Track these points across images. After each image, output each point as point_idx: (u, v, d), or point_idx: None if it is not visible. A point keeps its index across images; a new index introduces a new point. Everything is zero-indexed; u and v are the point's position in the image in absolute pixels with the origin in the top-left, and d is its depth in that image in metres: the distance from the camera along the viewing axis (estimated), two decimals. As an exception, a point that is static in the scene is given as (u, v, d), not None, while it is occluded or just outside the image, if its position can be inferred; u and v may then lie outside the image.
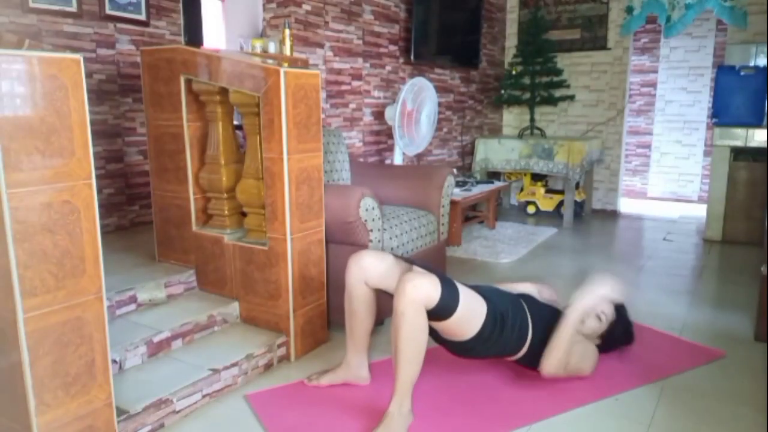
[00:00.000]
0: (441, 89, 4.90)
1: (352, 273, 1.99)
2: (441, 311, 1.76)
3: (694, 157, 6.51)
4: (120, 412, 1.64)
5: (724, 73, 4.32)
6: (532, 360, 2.07)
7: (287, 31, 3.12)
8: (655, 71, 6.51)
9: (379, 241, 2.47)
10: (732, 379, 2.13)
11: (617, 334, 2.19)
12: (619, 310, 2.20)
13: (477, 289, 1.98)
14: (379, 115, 4.23)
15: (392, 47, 4.31)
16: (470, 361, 2.16)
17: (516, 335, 1.99)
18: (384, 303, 2.10)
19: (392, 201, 3.06)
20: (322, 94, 3.68)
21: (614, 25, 5.34)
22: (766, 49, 4.43)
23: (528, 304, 2.12)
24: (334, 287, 2.44)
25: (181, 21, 3.16)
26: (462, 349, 1.97)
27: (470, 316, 1.85)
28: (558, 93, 5.54)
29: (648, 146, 6.71)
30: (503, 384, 2.07)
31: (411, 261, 2.05)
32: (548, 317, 2.12)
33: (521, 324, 2.01)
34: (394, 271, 1.98)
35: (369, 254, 2.02)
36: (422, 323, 1.72)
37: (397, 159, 4.04)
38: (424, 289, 1.72)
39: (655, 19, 5.25)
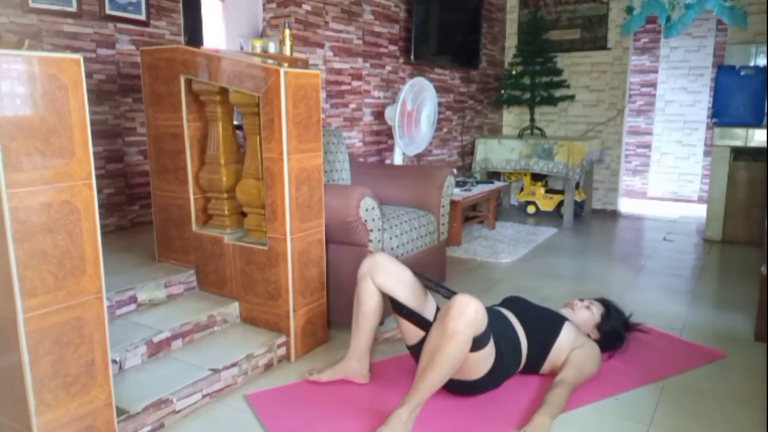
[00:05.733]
0: (441, 89, 4.90)
1: (364, 268, 2.02)
2: (478, 342, 1.74)
3: (694, 157, 6.52)
4: (120, 412, 1.64)
5: (724, 73, 4.32)
6: (534, 365, 2.07)
7: (287, 31, 3.13)
8: (655, 71, 6.51)
9: (379, 241, 2.47)
10: (732, 379, 2.13)
11: (614, 323, 2.22)
12: (605, 301, 2.28)
13: None
14: (379, 115, 4.23)
15: (392, 47, 4.31)
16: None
17: (511, 353, 1.97)
18: (383, 304, 2.10)
19: (392, 201, 3.06)
20: (322, 94, 3.68)
21: (614, 25, 5.34)
22: (766, 49, 4.43)
23: (512, 309, 2.11)
24: (334, 287, 2.44)
25: (181, 21, 3.16)
26: (469, 389, 1.93)
27: (489, 351, 1.84)
28: (558, 93, 5.54)
29: (648, 146, 6.71)
30: (502, 384, 2.07)
31: (426, 284, 2.01)
32: (538, 314, 2.13)
33: (512, 339, 2.00)
34: (418, 286, 2.00)
35: (387, 257, 2.05)
36: (468, 348, 1.70)
37: (397, 159, 4.04)
38: (483, 315, 1.69)
39: (655, 19, 5.25)
